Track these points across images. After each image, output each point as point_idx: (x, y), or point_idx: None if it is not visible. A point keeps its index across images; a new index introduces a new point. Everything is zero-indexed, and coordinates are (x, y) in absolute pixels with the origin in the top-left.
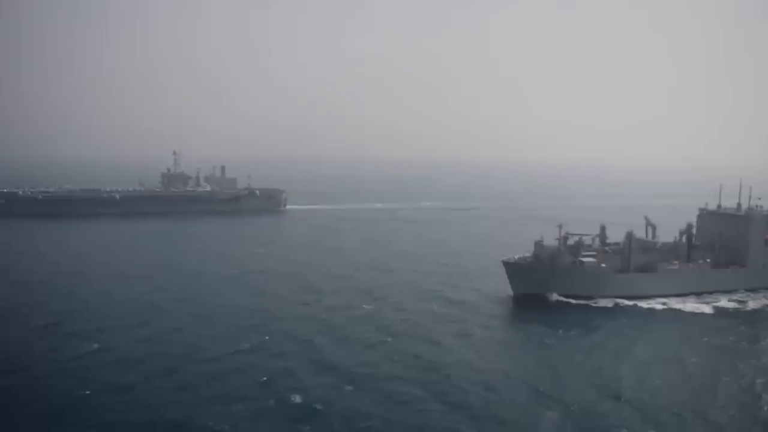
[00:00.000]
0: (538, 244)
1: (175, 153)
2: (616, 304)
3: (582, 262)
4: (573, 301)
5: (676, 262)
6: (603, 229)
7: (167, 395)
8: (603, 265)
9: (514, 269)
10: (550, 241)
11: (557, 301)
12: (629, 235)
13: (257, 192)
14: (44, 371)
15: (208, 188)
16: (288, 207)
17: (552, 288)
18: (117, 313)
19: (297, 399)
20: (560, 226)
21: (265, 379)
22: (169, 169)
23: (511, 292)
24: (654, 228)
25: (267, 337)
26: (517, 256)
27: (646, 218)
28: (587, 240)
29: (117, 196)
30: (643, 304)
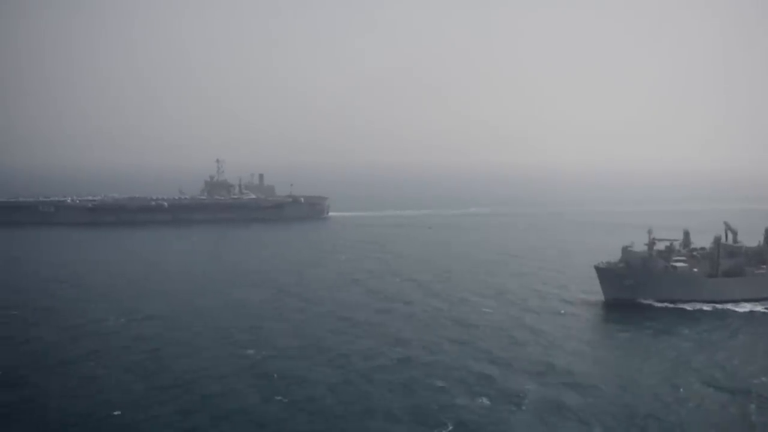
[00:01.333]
0: (626, 250)
1: (218, 161)
2: (713, 308)
3: (675, 267)
4: (669, 305)
5: (764, 266)
6: (687, 234)
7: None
8: (695, 269)
9: (606, 274)
10: (626, 246)
11: (650, 305)
12: (717, 240)
13: (302, 199)
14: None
15: (253, 196)
16: (330, 214)
17: (644, 292)
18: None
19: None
20: (650, 232)
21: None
22: (212, 177)
23: (602, 297)
24: (735, 233)
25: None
26: (604, 262)
27: (726, 224)
28: (674, 245)
29: (165, 203)
30: (737, 308)
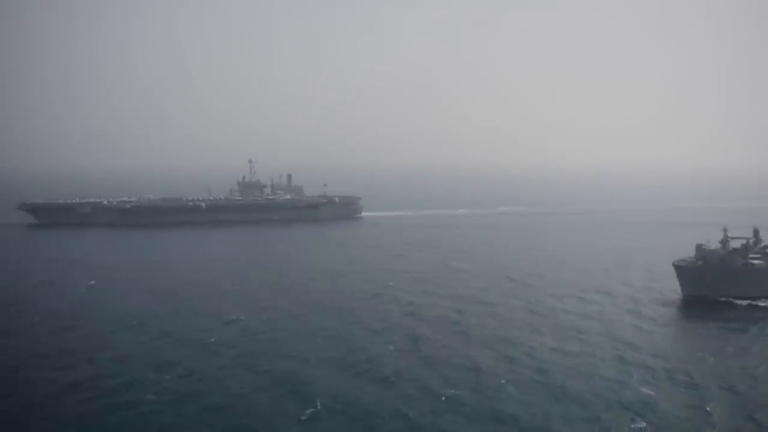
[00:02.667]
0: (701, 248)
1: (250, 161)
2: None
3: (753, 264)
4: (749, 303)
5: None
6: (756, 231)
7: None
8: None
9: (685, 272)
10: (699, 244)
11: (729, 302)
12: None
13: (336, 199)
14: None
15: (288, 196)
16: (363, 214)
17: (723, 290)
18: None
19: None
20: (725, 230)
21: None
22: (244, 177)
23: (680, 295)
24: None
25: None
26: (680, 259)
27: None
28: (743, 242)
29: (203, 204)
30: None
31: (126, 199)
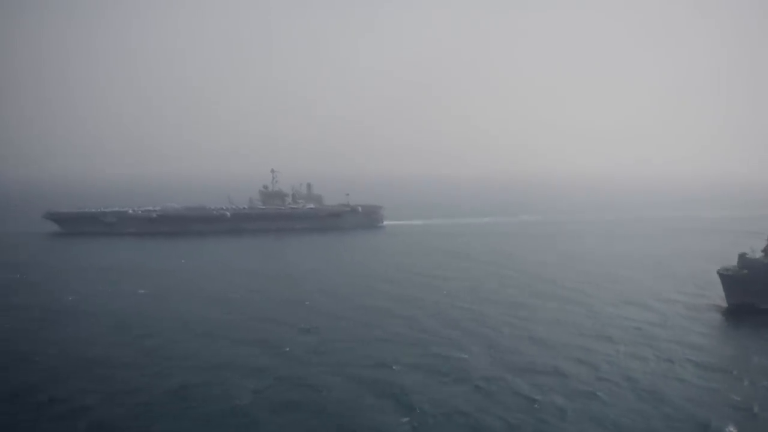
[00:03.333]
0: (744, 257)
1: (273, 171)
2: None
3: None
4: None
5: None
6: None
7: None
8: None
9: (730, 280)
10: (743, 253)
11: None
12: None
13: (359, 208)
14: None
15: (312, 205)
16: (385, 222)
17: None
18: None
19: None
20: None
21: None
22: (266, 187)
23: (724, 303)
24: None
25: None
26: (722, 268)
27: None
28: None
29: (228, 213)
30: None
31: (150, 208)
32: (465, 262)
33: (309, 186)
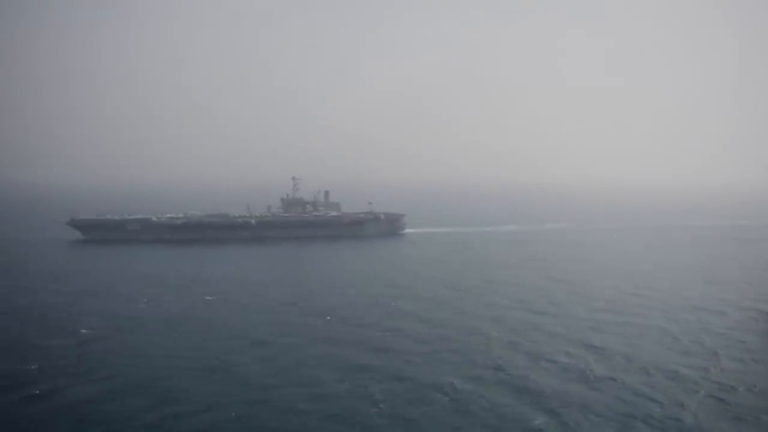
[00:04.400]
0: None
1: (294, 178)
2: None
3: None
4: None
5: None
6: None
7: None
8: None
9: None
10: None
11: None
12: None
13: (382, 216)
14: None
15: (335, 213)
16: (406, 230)
17: None
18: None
19: None
20: None
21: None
22: (287, 194)
23: None
24: None
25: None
26: None
27: None
28: None
29: (252, 221)
30: None
31: (172, 215)
32: (516, 270)
33: (327, 193)
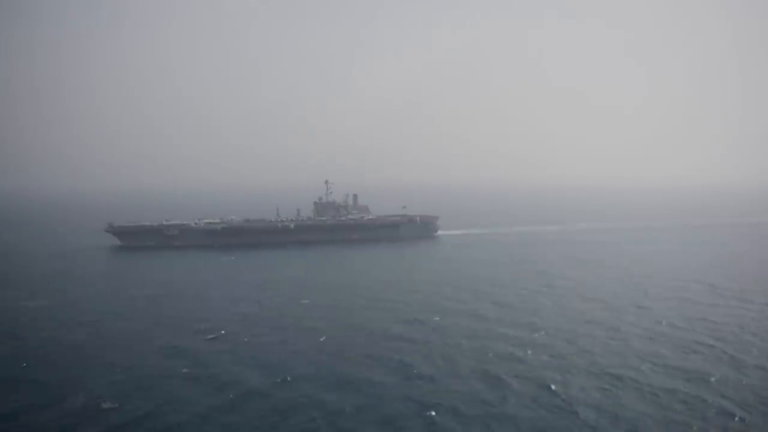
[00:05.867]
0: None
1: (327, 182)
2: None
3: None
4: None
5: None
6: None
7: None
8: None
9: None
10: None
11: None
12: None
13: (417, 219)
14: None
15: (372, 216)
16: (439, 232)
17: None
18: None
19: None
20: None
21: None
22: (320, 198)
23: None
24: None
25: None
26: None
27: None
28: None
29: (291, 225)
30: None
31: (208, 220)
32: (576, 270)
33: (355, 197)
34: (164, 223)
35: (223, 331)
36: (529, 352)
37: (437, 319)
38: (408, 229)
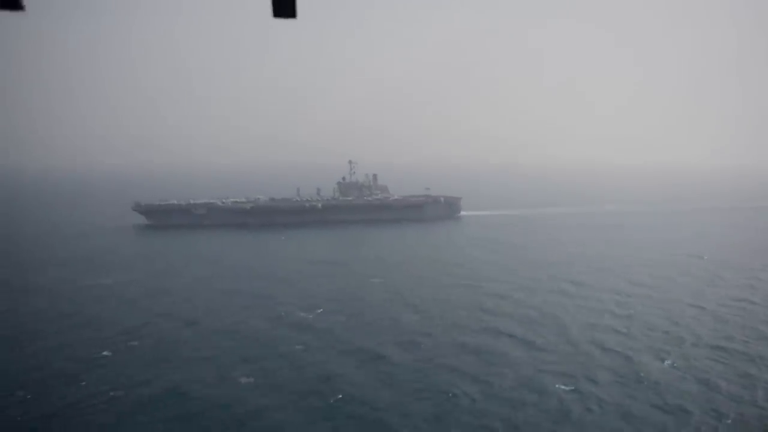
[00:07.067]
0: None
1: (350, 162)
2: None
3: None
4: None
5: None
6: None
7: None
8: None
9: None
10: None
11: None
12: None
13: (441, 199)
14: None
15: (396, 196)
16: (462, 213)
17: None
18: None
19: None
20: None
21: None
22: (344, 178)
23: None
24: None
25: None
26: None
27: None
28: None
29: (319, 205)
30: None
31: (236, 199)
32: (621, 249)
33: (375, 177)
34: (191, 202)
35: (320, 310)
36: (631, 328)
37: (521, 295)
38: (432, 210)
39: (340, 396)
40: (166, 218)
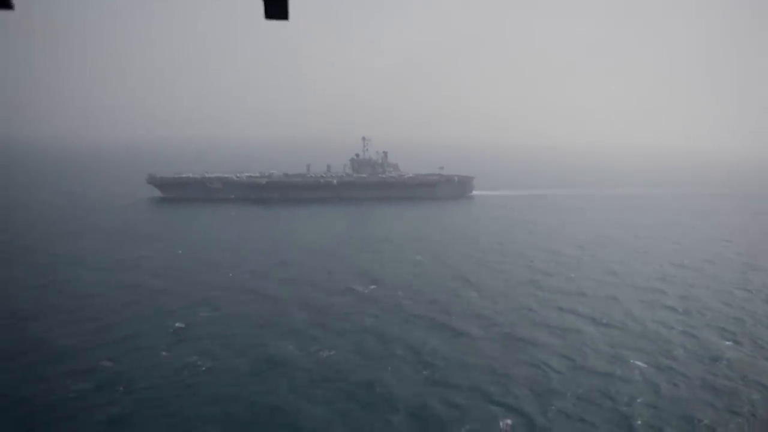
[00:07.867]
0: None
1: (364, 139)
2: None
3: None
4: None
5: None
6: None
7: None
8: None
9: None
10: None
11: None
12: None
13: (455, 178)
14: None
15: (411, 174)
16: (474, 192)
17: None
18: None
19: None
20: None
21: None
22: (357, 155)
23: None
24: None
25: None
26: None
27: None
28: None
29: (334, 181)
30: None
31: (250, 174)
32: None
33: (385, 154)
34: (206, 175)
35: (373, 286)
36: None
37: (573, 274)
38: (445, 189)
39: (436, 364)
40: (181, 192)
